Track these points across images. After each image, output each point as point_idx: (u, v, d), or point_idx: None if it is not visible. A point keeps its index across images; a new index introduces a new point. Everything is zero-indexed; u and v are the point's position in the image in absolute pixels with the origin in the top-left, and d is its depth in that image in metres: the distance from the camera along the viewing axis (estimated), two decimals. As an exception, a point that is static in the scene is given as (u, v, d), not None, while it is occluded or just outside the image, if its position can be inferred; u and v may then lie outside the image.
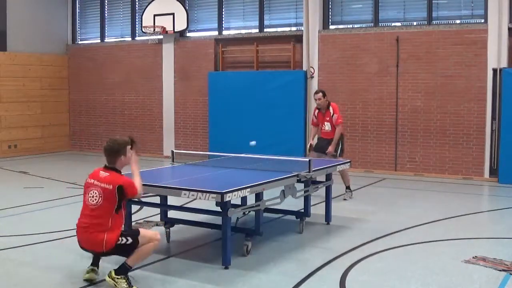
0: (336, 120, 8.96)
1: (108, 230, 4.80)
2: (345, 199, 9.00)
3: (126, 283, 4.84)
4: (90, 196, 4.89)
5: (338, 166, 7.57)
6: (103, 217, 4.81)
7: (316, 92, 9.20)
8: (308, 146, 9.49)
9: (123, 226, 5.08)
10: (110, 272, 4.89)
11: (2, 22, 14.25)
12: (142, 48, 14.83)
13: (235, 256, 5.74)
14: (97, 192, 4.86)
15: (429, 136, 11.45)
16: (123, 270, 4.88)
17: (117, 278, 4.84)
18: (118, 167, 5.04)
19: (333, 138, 8.96)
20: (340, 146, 9.03)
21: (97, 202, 4.84)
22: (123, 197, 4.90)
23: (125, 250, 4.91)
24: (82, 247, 5.00)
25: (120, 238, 4.84)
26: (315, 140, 9.39)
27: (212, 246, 6.37)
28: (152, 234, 5.08)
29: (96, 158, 13.71)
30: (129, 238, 4.89)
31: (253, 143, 7.44)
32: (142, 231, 5.06)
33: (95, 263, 5.20)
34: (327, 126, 9.09)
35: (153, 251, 5.07)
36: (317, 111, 9.29)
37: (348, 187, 9.18)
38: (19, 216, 7.89)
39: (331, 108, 9.03)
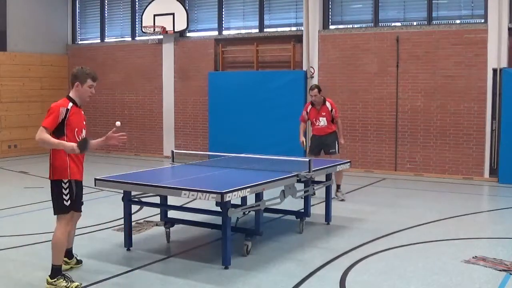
0: (336, 114, 8.97)
1: None
2: (343, 200, 8.90)
3: (64, 281, 4.87)
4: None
5: (339, 166, 7.56)
6: None
7: (311, 89, 8.95)
8: (302, 142, 9.11)
9: None
10: (46, 280, 4.92)
11: (2, 22, 14.25)
12: (142, 48, 14.83)
13: (235, 256, 5.74)
14: None
15: (429, 136, 11.44)
16: (54, 272, 4.91)
17: (54, 281, 4.87)
18: (72, 95, 5.13)
19: (338, 131, 8.98)
20: (337, 143, 9.02)
21: None
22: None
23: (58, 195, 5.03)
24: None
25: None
26: (307, 139, 9.27)
27: (212, 246, 6.37)
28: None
29: (96, 158, 13.72)
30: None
31: (118, 123, 7.87)
32: None
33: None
34: (322, 122, 8.94)
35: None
36: (310, 106, 9.08)
37: (338, 186, 9.02)
38: (19, 216, 7.89)
39: (328, 104, 8.94)
